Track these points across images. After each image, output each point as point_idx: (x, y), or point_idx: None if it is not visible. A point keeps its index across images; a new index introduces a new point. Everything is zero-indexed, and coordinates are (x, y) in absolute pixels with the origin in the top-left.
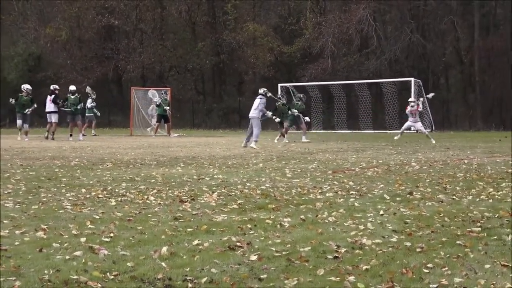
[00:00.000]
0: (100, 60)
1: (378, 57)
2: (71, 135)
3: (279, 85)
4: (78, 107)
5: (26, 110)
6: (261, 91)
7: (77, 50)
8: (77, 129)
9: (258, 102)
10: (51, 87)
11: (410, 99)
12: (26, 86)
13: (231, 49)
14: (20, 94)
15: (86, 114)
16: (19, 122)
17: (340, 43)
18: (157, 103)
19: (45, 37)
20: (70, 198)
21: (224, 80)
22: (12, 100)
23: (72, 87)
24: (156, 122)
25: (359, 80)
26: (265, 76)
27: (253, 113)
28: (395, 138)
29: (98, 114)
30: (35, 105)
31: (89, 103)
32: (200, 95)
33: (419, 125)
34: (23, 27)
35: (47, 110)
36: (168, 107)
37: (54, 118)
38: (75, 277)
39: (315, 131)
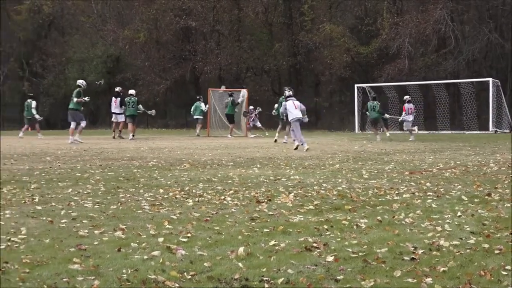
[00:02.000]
0: (177, 61)
1: (456, 57)
2: (133, 135)
3: (356, 85)
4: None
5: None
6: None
7: (155, 52)
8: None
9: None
10: (116, 89)
11: (406, 97)
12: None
13: (307, 50)
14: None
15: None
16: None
17: (417, 43)
18: (236, 102)
19: (124, 39)
20: (148, 198)
21: (301, 81)
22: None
23: (132, 91)
24: (230, 123)
25: (436, 80)
26: (342, 77)
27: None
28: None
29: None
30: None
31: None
32: (277, 96)
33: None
34: (102, 29)
35: (113, 110)
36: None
37: (120, 118)
38: (153, 276)
39: (392, 131)
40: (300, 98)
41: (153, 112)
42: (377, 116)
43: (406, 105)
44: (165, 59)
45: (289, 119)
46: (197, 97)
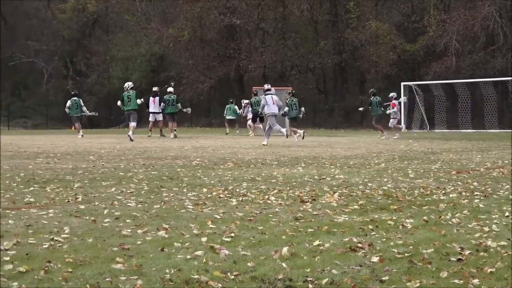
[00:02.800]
0: (222, 59)
1: (504, 54)
2: (175, 135)
3: (402, 83)
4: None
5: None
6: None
7: (199, 50)
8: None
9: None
10: (154, 89)
11: (392, 94)
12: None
13: (353, 47)
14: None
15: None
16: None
17: (465, 40)
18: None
19: (168, 37)
20: (192, 197)
21: (346, 79)
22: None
23: (171, 89)
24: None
25: (484, 78)
26: (388, 75)
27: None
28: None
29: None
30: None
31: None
32: (322, 94)
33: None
34: (146, 27)
35: (152, 110)
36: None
37: (159, 117)
38: (196, 276)
39: (439, 130)
40: (345, 96)
41: (188, 110)
42: (382, 112)
43: (395, 101)
44: (209, 57)
45: (266, 113)
46: (229, 100)
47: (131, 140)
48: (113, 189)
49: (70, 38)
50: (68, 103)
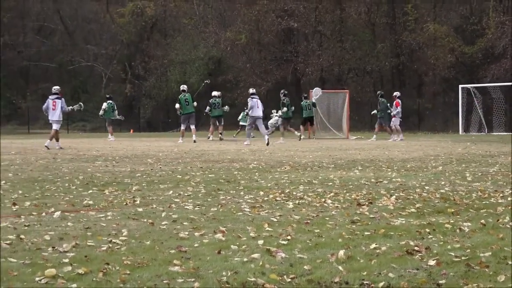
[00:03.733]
0: (279, 63)
1: None
2: (221, 138)
3: (460, 86)
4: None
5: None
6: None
7: (257, 53)
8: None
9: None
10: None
11: (395, 93)
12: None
13: (410, 50)
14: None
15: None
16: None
17: None
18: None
19: (225, 41)
20: (248, 200)
21: (404, 82)
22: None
23: (215, 93)
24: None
25: None
26: (446, 77)
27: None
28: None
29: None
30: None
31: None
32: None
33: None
34: (203, 31)
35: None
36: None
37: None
38: (253, 279)
39: (497, 133)
40: (402, 99)
41: (226, 108)
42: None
43: (399, 100)
44: (266, 60)
45: (252, 115)
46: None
47: (195, 142)
48: (171, 192)
49: (129, 42)
50: (104, 105)
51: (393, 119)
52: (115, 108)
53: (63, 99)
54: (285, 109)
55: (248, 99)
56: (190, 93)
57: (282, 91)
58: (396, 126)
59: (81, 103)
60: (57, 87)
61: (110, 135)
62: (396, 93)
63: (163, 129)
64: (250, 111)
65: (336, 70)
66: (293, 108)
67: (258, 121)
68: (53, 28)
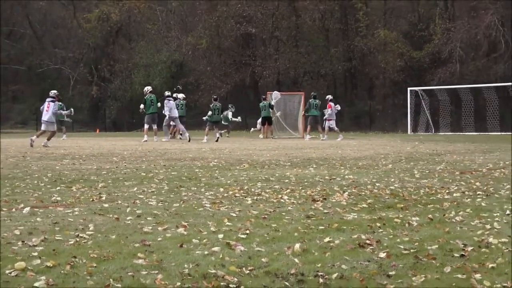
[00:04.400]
0: (238, 66)
1: (506, 61)
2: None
3: (409, 89)
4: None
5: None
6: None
7: (217, 57)
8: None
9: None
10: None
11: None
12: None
13: (362, 54)
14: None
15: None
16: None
17: (468, 47)
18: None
19: (187, 45)
20: (209, 196)
21: (356, 85)
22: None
23: (181, 95)
24: (262, 125)
25: (487, 83)
26: (395, 81)
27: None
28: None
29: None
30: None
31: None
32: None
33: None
34: (166, 35)
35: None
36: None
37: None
38: (213, 271)
39: (443, 133)
40: (354, 101)
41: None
42: (319, 114)
43: (331, 103)
44: (226, 64)
45: (171, 115)
46: (229, 105)
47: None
48: (135, 188)
49: (95, 46)
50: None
51: (327, 121)
52: (64, 108)
53: (57, 102)
54: (210, 112)
55: (165, 101)
56: (155, 95)
57: (214, 96)
58: (332, 127)
59: (72, 109)
60: (55, 91)
61: (64, 135)
62: (328, 96)
63: (127, 129)
64: (169, 111)
65: (292, 73)
66: (226, 113)
67: (175, 121)
68: (22, 33)
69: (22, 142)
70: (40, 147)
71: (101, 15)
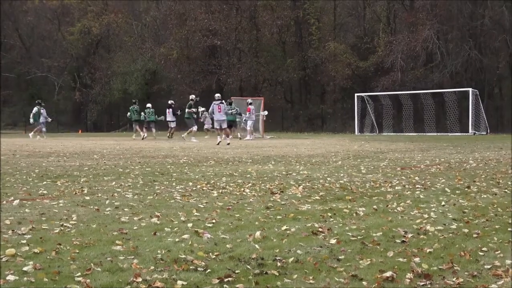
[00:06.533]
0: (205, 74)
1: (441, 70)
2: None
3: (356, 94)
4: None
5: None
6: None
7: (186, 66)
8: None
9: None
10: (169, 102)
11: (248, 100)
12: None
13: (315, 64)
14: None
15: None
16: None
17: (408, 58)
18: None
19: (160, 55)
20: (180, 190)
21: (309, 91)
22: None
23: (149, 104)
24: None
25: (424, 90)
26: (344, 87)
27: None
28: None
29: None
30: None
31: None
32: (289, 103)
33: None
34: (141, 47)
35: (168, 119)
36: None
37: (173, 124)
38: (183, 256)
39: (386, 133)
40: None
41: (162, 118)
42: (234, 119)
43: (250, 107)
44: (194, 72)
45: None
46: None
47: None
48: (114, 183)
49: (78, 56)
50: (34, 110)
51: (248, 121)
52: (43, 112)
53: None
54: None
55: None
56: (138, 105)
57: (134, 100)
58: (250, 128)
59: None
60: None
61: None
62: (248, 100)
63: (107, 130)
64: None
65: (252, 81)
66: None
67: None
68: (12, 44)
69: (12, 141)
70: (27, 145)
71: (83, 29)
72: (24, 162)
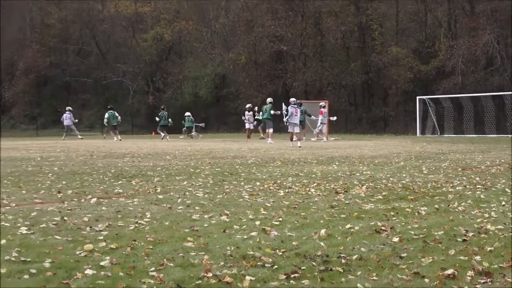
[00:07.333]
0: (271, 78)
1: (501, 74)
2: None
3: (417, 97)
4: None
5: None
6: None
7: (254, 71)
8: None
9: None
10: (247, 106)
11: (321, 103)
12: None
13: (377, 68)
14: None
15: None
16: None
17: (469, 62)
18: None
19: (228, 61)
20: (248, 189)
21: (372, 94)
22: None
23: (269, 99)
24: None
25: (484, 93)
26: (406, 90)
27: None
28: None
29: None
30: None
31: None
32: (352, 106)
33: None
34: (211, 52)
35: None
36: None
37: (251, 126)
38: (251, 252)
39: (447, 135)
40: (371, 108)
41: (203, 124)
42: (303, 120)
43: (323, 110)
44: (261, 76)
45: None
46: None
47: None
48: (185, 182)
49: (151, 62)
50: (106, 115)
51: (322, 126)
52: (116, 115)
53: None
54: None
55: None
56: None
57: (162, 106)
58: (320, 130)
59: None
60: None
61: (115, 136)
62: (321, 103)
63: (178, 132)
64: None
65: (317, 84)
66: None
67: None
68: (90, 51)
69: (90, 143)
70: (103, 147)
71: (156, 36)
72: (101, 162)
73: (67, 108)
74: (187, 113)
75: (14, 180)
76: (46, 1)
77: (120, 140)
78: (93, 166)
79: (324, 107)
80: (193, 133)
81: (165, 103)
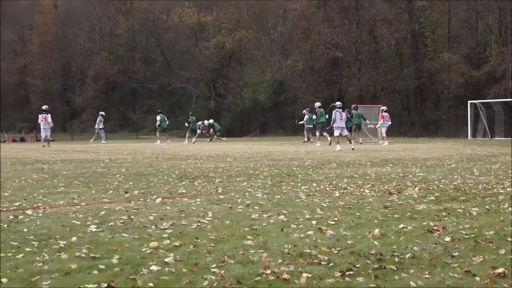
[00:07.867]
0: (327, 84)
1: None
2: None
3: (469, 102)
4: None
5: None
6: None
7: (310, 77)
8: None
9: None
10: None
11: (382, 107)
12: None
13: (430, 74)
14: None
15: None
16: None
17: None
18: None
19: (286, 67)
20: (304, 190)
21: (424, 98)
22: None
23: (317, 103)
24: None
25: None
26: (457, 95)
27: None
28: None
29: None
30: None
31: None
32: (405, 110)
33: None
34: (269, 59)
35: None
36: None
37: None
38: (308, 251)
39: (498, 138)
40: (424, 112)
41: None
42: (359, 123)
43: (384, 114)
44: (318, 82)
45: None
46: (190, 113)
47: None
48: (245, 183)
49: (213, 69)
50: (158, 118)
51: (382, 128)
52: (166, 119)
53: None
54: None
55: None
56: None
57: (190, 112)
58: (382, 134)
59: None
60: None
61: (159, 140)
62: (382, 108)
63: (239, 135)
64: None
65: (371, 89)
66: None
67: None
68: (155, 58)
69: (155, 146)
70: (168, 149)
71: (217, 44)
72: (165, 164)
73: (100, 113)
74: (211, 120)
75: (84, 181)
76: (115, 11)
77: (168, 143)
78: (158, 168)
79: (386, 111)
80: (193, 139)
81: (226, 107)
